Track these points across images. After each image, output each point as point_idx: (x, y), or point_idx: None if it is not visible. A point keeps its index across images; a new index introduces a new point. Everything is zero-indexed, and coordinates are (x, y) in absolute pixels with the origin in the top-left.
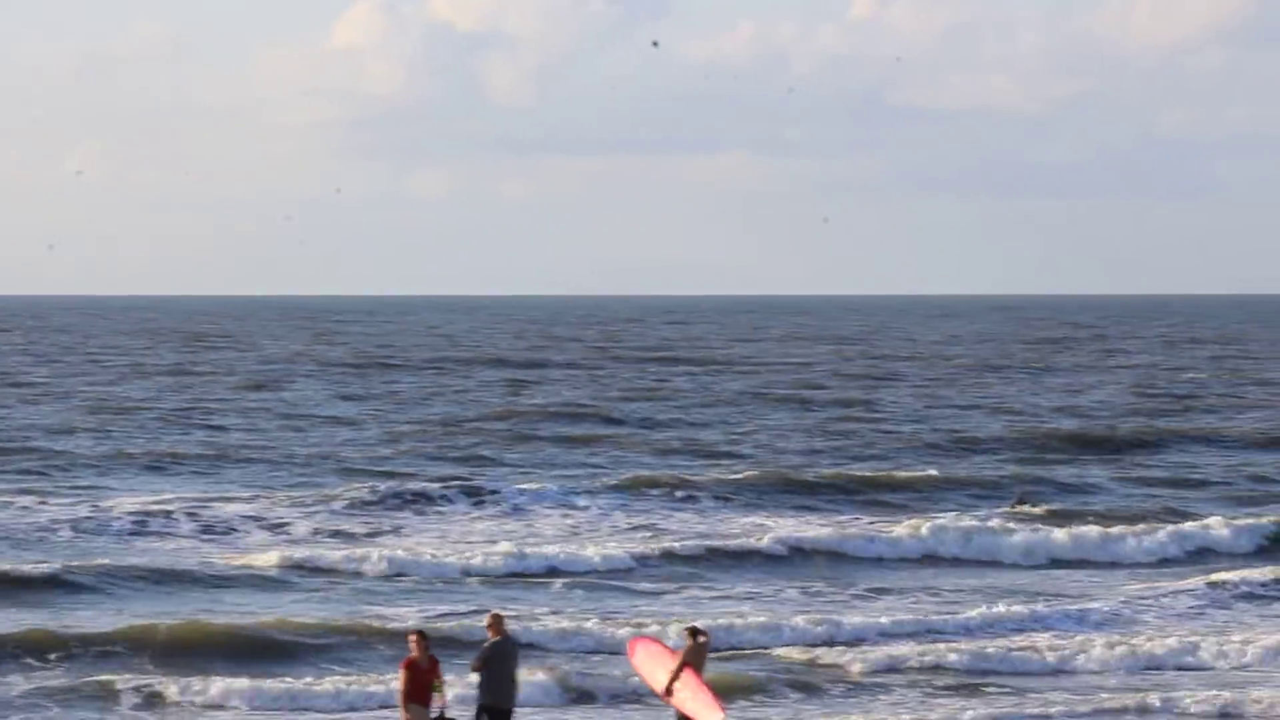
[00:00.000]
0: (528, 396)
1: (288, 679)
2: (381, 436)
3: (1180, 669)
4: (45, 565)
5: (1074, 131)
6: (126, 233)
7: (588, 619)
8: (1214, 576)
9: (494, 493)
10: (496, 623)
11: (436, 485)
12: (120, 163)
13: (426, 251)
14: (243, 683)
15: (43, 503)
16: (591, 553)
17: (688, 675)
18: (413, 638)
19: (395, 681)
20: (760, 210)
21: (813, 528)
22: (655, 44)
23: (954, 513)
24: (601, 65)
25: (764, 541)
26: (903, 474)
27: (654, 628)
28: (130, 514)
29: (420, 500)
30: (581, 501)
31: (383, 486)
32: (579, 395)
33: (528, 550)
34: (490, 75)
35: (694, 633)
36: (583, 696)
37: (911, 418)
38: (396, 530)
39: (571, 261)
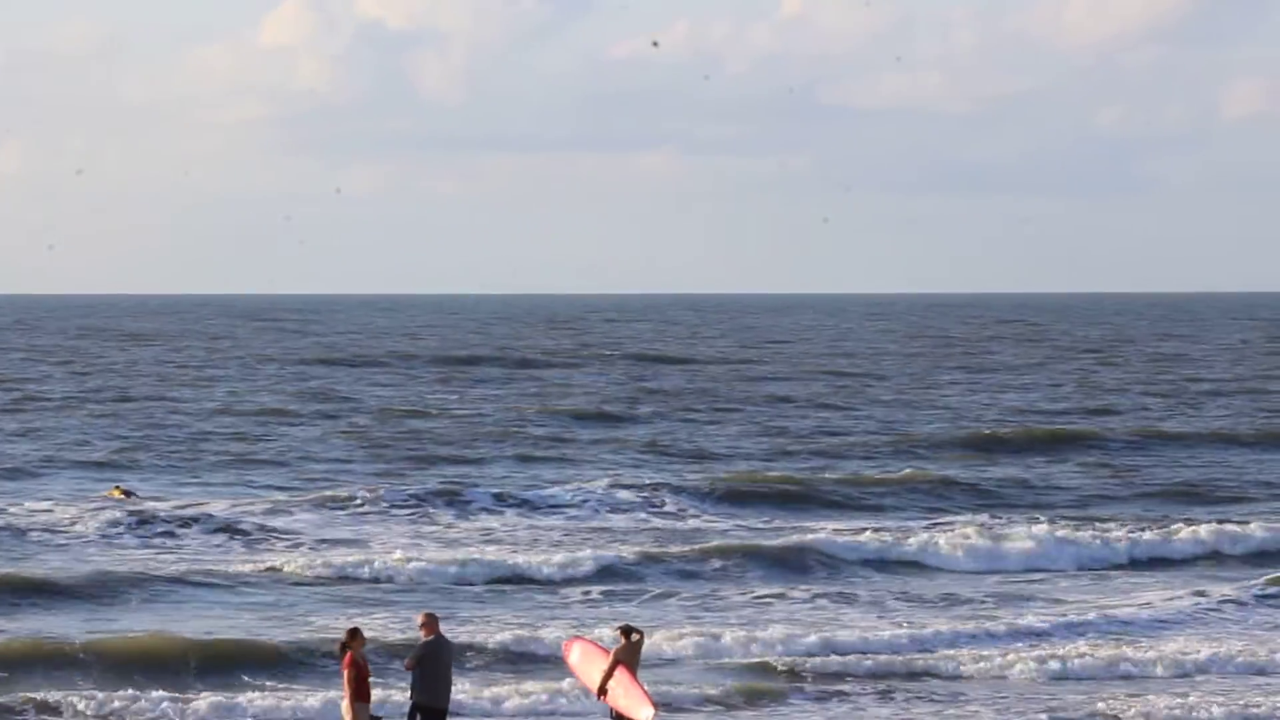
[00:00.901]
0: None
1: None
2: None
3: None
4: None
5: (1009, 130)
6: (51, 231)
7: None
8: None
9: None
10: (430, 622)
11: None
12: (48, 160)
13: (357, 249)
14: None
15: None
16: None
17: (620, 673)
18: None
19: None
20: (689, 208)
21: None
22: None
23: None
24: (532, 63)
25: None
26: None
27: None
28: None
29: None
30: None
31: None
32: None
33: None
34: (420, 73)
35: (626, 631)
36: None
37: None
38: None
39: (500, 259)
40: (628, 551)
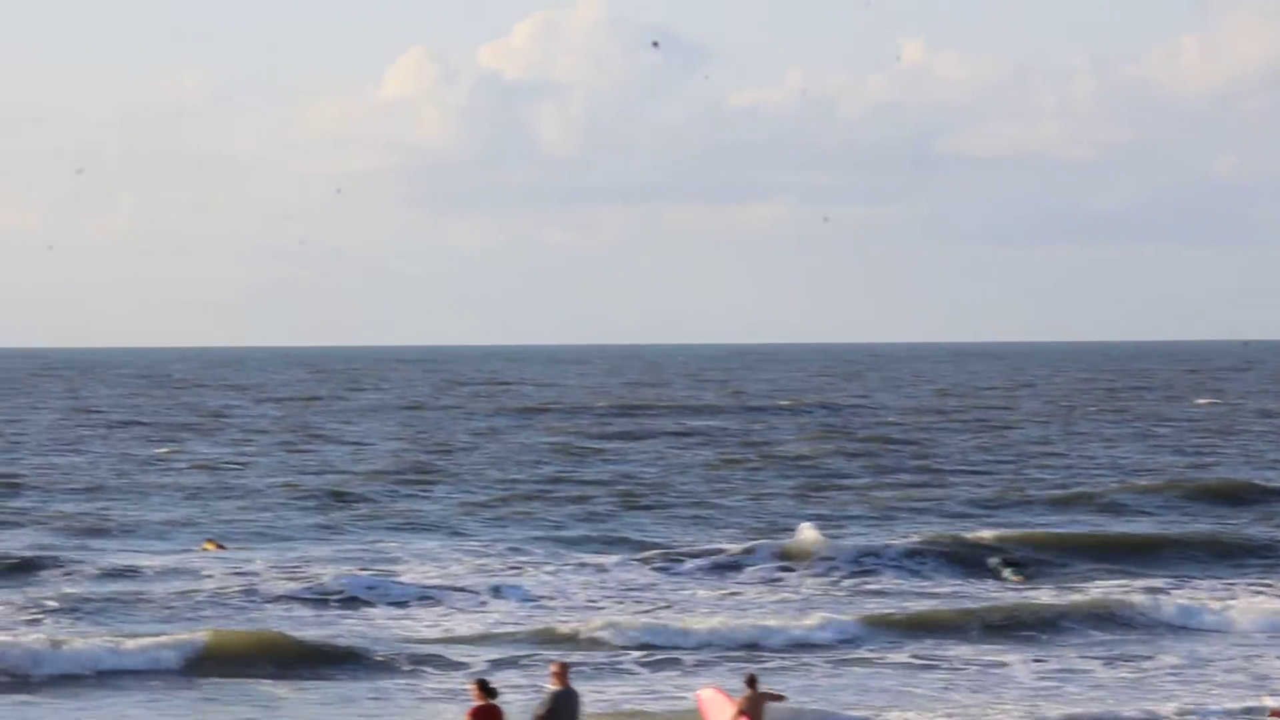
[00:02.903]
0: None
1: None
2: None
3: None
4: None
5: (1125, 178)
6: (168, 284)
7: None
8: None
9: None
10: (561, 671)
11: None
12: (160, 214)
13: (471, 301)
14: None
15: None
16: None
17: None
18: (472, 687)
19: None
20: (803, 257)
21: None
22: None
23: None
24: (649, 113)
25: None
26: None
27: None
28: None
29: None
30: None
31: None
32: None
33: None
34: (537, 124)
35: (751, 681)
36: None
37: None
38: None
39: (616, 309)
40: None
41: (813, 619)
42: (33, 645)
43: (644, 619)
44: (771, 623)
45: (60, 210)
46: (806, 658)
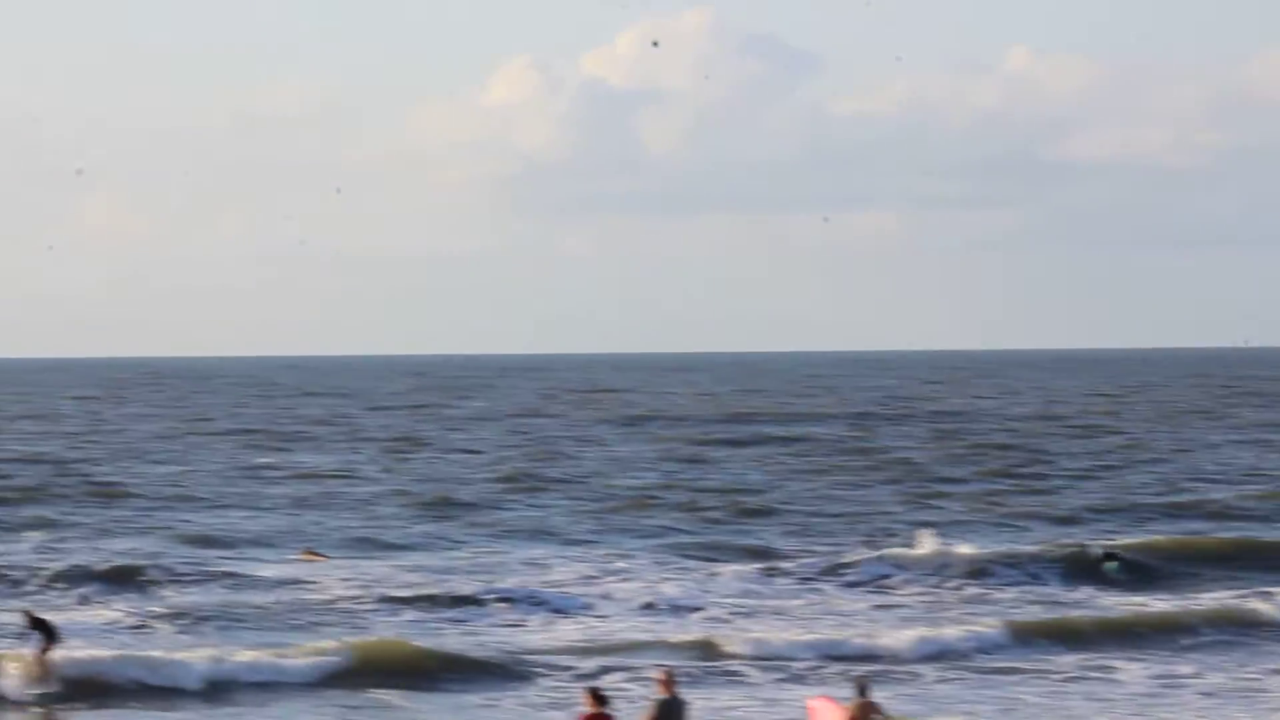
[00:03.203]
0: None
1: None
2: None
3: None
4: None
5: (1233, 184)
6: (276, 293)
7: None
8: None
9: None
10: (668, 679)
11: None
12: (267, 223)
13: (577, 309)
14: None
15: None
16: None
17: None
18: (584, 695)
19: None
20: (910, 265)
21: None
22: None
23: None
24: (755, 122)
25: None
26: None
27: None
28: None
29: None
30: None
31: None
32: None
33: None
34: (642, 132)
35: (862, 688)
36: None
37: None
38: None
39: (720, 317)
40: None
41: (927, 628)
42: (166, 658)
43: (758, 626)
44: (880, 631)
45: (172, 219)
46: (920, 667)
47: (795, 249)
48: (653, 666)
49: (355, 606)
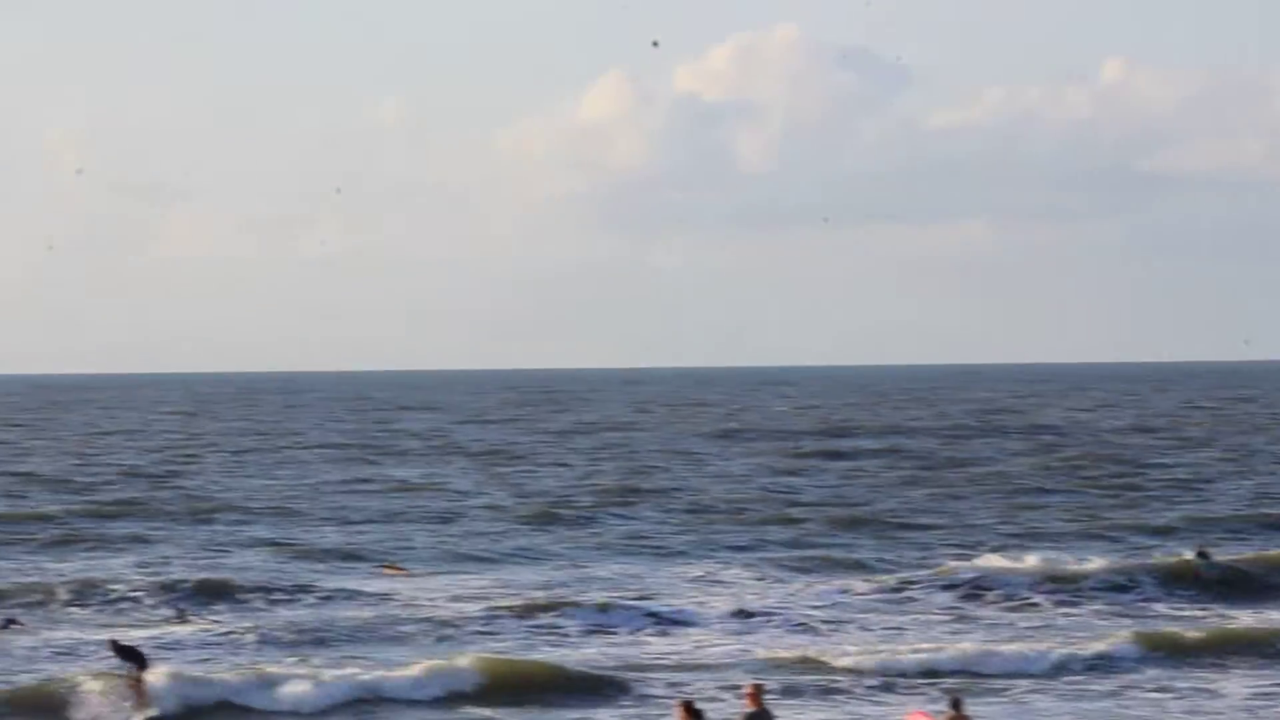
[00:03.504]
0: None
1: None
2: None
3: None
4: None
5: None
6: (371, 308)
7: None
8: None
9: None
10: (755, 693)
11: None
12: (364, 239)
13: (668, 323)
14: None
15: None
16: None
17: None
18: (677, 708)
19: None
20: (1001, 277)
21: None
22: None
23: None
24: (847, 134)
25: None
26: None
27: None
28: None
29: None
30: None
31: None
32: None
33: None
34: (735, 146)
35: (955, 703)
36: None
37: None
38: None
39: (813, 331)
40: None
41: (1023, 643)
42: (276, 674)
43: (852, 639)
44: (975, 644)
45: (263, 232)
46: (1015, 682)
47: (886, 262)
48: (747, 679)
49: (451, 621)
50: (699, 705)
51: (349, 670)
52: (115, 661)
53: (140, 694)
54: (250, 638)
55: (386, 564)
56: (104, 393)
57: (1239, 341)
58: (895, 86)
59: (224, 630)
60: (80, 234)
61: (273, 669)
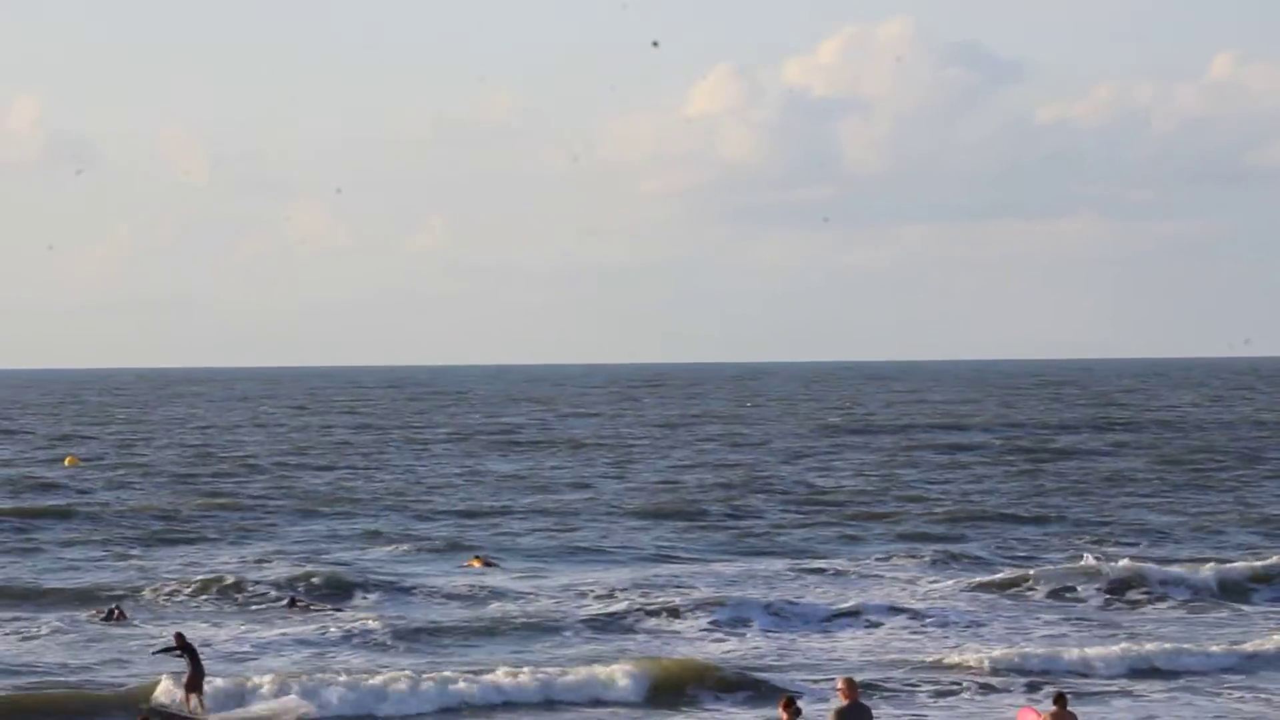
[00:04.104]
0: None
1: None
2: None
3: None
4: None
5: None
6: (477, 301)
7: None
8: None
9: None
10: (849, 687)
11: None
12: (470, 231)
13: (775, 317)
14: None
15: None
16: None
17: None
18: (781, 706)
19: None
20: (1108, 273)
21: None
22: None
23: None
24: (956, 129)
25: None
26: None
27: None
28: None
29: None
30: None
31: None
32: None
33: None
34: (843, 141)
35: (1059, 699)
36: None
37: None
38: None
39: (920, 326)
40: None
41: (1131, 642)
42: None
43: (967, 637)
44: (1086, 644)
45: (371, 228)
46: (1126, 683)
47: (994, 257)
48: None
49: (573, 617)
50: (799, 703)
51: (520, 673)
52: (168, 654)
53: (187, 699)
54: (381, 635)
55: (475, 556)
56: (206, 385)
57: None
58: (1004, 80)
59: (339, 627)
60: (190, 231)
61: (391, 672)
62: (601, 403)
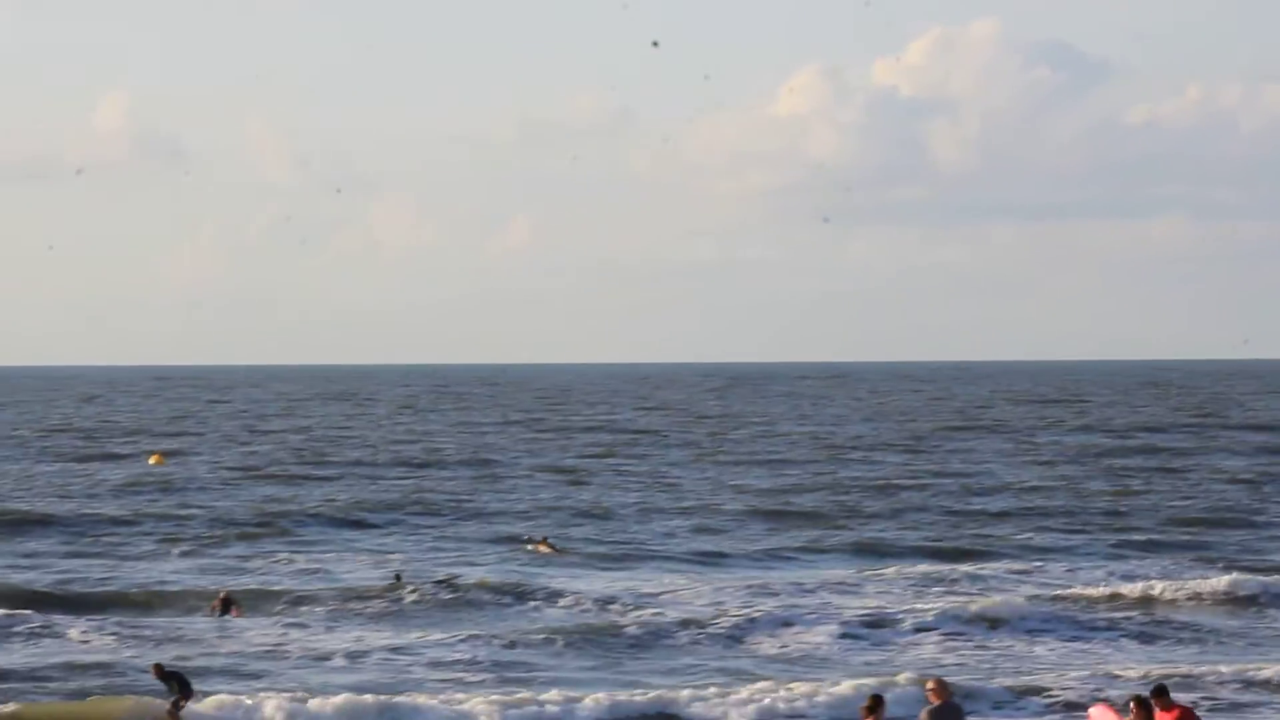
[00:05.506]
0: None
1: None
2: None
3: None
4: None
5: None
6: (565, 301)
7: None
8: None
9: None
10: (940, 687)
11: None
12: (558, 231)
13: (863, 317)
14: None
15: None
16: None
17: None
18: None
19: None
20: (1196, 273)
21: None
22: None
23: None
24: (1044, 129)
25: None
26: None
27: None
28: None
29: None
30: None
31: None
32: None
33: None
34: (931, 141)
35: (1140, 703)
36: None
37: None
38: None
39: (1008, 326)
40: None
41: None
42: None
43: (1112, 650)
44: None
45: (459, 228)
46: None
47: (1081, 256)
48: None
49: (704, 626)
50: (882, 698)
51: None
52: (160, 686)
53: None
54: (551, 644)
55: (541, 540)
56: (291, 385)
57: None
58: (1093, 81)
59: (473, 641)
60: (277, 230)
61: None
62: (707, 401)
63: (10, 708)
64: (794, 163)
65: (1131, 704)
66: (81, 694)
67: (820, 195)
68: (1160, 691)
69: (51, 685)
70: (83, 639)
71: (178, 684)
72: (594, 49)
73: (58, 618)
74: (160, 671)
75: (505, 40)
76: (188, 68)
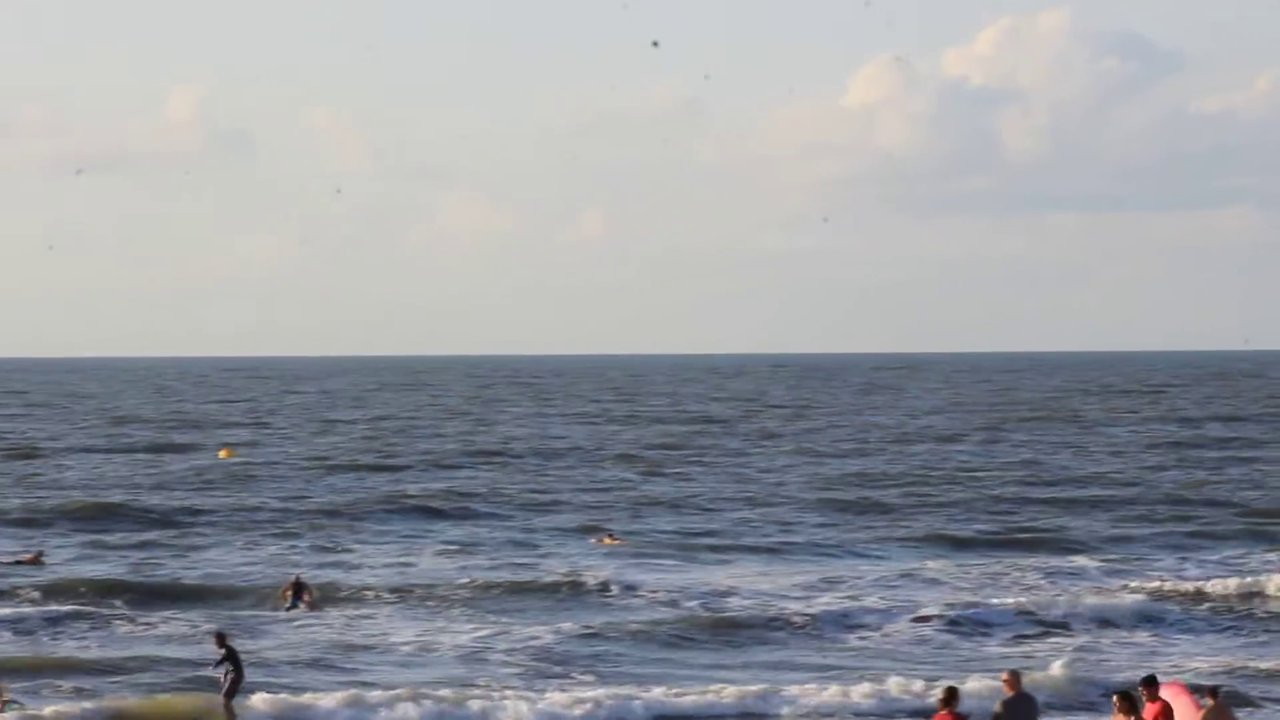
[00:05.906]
0: None
1: None
2: None
3: None
4: None
5: None
6: (638, 292)
7: None
8: None
9: None
10: (1013, 679)
11: None
12: (629, 222)
13: (933, 307)
14: None
15: None
16: None
17: None
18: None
19: None
20: (1262, 265)
21: None
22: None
23: None
24: (1114, 120)
25: None
26: None
27: None
28: None
29: None
30: None
31: None
32: None
33: None
34: (1001, 131)
35: (1213, 692)
36: None
37: None
38: None
39: (1074, 316)
40: None
41: None
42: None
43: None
44: None
45: (531, 218)
46: None
47: (1152, 248)
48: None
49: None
50: (957, 691)
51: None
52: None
53: (227, 708)
54: (629, 637)
55: (606, 535)
56: (361, 376)
57: None
58: (1163, 71)
59: (555, 635)
60: (350, 220)
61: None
62: (779, 392)
63: (104, 703)
64: (863, 153)
65: (1115, 698)
66: (155, 688)
67: (888, 185)
68: (1149, 681)
69: (124, 678)
70: (155, 631)
71: (233, 661)
72: (666, 39)
73: (129, 610)
74: (221, 640)
75: (576, 32)
76: (259, 59)
